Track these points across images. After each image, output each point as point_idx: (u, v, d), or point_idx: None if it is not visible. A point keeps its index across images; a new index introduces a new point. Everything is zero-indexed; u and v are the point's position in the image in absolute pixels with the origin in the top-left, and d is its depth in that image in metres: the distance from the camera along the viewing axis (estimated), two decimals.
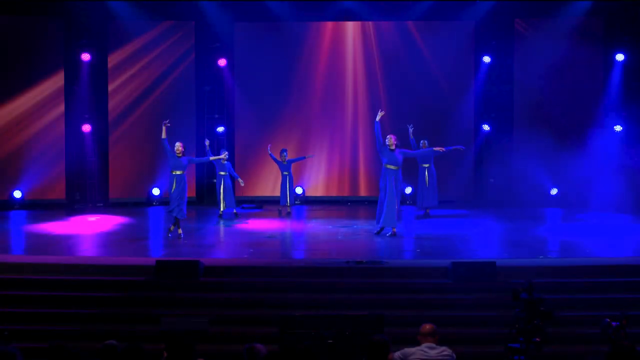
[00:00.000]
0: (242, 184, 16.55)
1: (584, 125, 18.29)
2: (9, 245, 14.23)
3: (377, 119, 13.95)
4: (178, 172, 14.01)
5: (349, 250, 12.73)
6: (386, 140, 13.85)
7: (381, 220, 13.97)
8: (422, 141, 16.54)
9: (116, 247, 13.55)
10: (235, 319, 10.45)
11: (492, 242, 14.07)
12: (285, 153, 17.21)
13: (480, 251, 12.99)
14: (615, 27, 18.29)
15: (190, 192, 19.32)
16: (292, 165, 17.39)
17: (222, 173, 16.58)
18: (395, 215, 13.94)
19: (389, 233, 14.07)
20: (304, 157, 18.16)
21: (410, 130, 16.38)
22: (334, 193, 19.68)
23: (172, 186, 14.01)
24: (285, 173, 17.20)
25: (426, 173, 16.54)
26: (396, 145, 13.85)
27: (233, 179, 16.69)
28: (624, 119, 18.10)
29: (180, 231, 14.09)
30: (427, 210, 16.86)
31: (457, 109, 19.15)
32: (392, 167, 13.89)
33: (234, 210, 16.75)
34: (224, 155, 16.29)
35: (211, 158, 15.66)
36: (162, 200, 19.26)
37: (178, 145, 14.06)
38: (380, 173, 14.27)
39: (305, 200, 19.39)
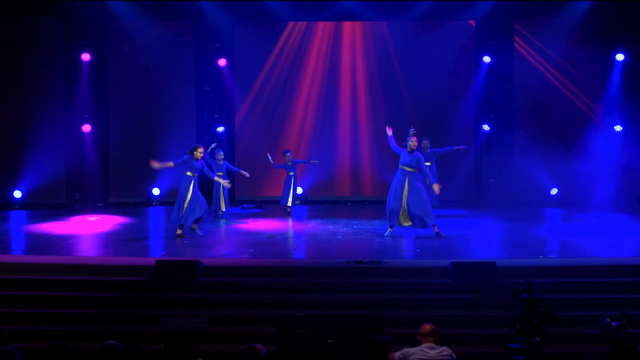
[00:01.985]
0: (248, 175, 16.54)
1: (584, 125, 18.29)
2: (9, 245, 14.21)
3: (389, 133, 13.97)
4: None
5: (349, 250, 12.73)
6: (408, 141, 13.85)
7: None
8: (423, 140, 16.58)
9: (116, 247, 13.55)
10: (235, 319, 10.45)
11: (492, 242, 14.07)
12: (288, 153, 17.21)
13: (480, 251, 12.99)
14: (615, 27, 18.30)
15: None
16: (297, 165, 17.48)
17: (220, 174, 16.58)
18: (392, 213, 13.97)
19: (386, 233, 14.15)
20: (308, 162, 18.07)
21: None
22: (334, 193, 19.67)
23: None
24: (291, 173, 17.20)
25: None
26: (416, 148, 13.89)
27: (232, 177, 16.66)
28: (624, 119, 18.11)
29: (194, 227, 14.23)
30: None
31: (457, 109, 19.16)
32: (408, 168, 13.89)
33: (220, 212, 16.73)
34: (219, 155, 16.49)
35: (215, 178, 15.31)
36: (162, 201, 19.28)
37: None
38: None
39: (305, 200, 19.39)
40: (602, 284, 10.98)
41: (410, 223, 13.94)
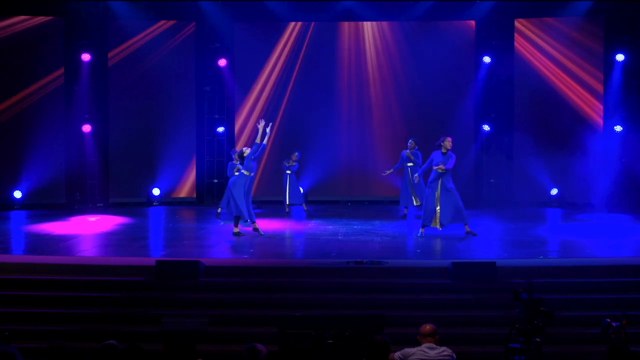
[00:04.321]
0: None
1: (584, 125, 18.31)
2: (9, 245, 14.22)
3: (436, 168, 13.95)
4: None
5: (349, 250, 12.73)
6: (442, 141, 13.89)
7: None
8: (410, 140, 16.63)
9: (116, 247, 13.56)
10: (235, 319, 10.45)
11: (492, 242, 14.06)
12: (298, 154, 17.31)
13: (480, 251, 12.99)
14: (615, 27, 18.29)
15: (191, 192, 19.40)
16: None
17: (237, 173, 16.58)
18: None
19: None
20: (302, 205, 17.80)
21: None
22: (333, 193, 19.67)
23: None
24: (288, 172, 17.26)
25: (409, 172, 16.52)
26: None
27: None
28: (624, 119, 18.10)
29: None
30: (406, 210, 16.81)
31: (457, 109, 19.15)
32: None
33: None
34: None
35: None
36: (162, 201, 19.28)
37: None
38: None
39: (305, 200, 19.36)
40: (602, 284, 10.98)
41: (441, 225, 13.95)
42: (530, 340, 7.77)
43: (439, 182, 13.87)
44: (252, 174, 14.17)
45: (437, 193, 13.87)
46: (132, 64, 18.93)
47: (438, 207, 13.91)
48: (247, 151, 14.25)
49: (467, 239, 13.92)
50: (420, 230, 14.10)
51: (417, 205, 16.73)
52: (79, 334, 10.06)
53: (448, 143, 13.87)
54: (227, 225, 16.04)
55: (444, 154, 13.85)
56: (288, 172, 17.30)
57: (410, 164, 16.52)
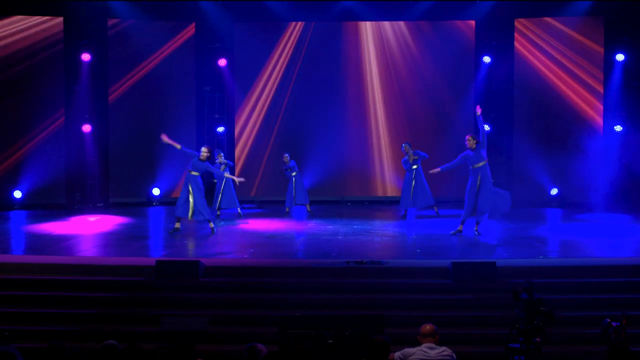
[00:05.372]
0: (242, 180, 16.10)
1: (583, 125, 18.31)
2: (9, 245, 14.22)
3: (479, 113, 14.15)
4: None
5: (349, 250, 12.73)
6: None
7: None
8: (403, 145, 16.62)
9: (116, 247, 13.56)
10: (235, 319, 10.45)
11: (492, 242, 14.06)
12: (287, 155, 17.32)
13: (480, 251, 12.99)
14: (615, 27, 18.29)
15: None
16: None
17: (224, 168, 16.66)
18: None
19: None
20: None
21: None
22: (333, 193, 19.66)
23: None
24: (294, 173, 17.27)
25: (414, 174, 16.51)
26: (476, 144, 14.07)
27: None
28: (624, 119, 18.10)
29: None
30: (406, 212, 16.78)
31: (457, 109, 19.15)
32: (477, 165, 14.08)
33: (238, 210, 16.78)
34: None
35: (226, 175, 15.92)
36: (162, 201, 19.27)
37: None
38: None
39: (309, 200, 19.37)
40: (602, 284, 10.98)
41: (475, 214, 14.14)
42: (530, 340, 7.77)
43: (478, 177, 14.15)
44: (199, 173, 14.59)
45: (477, 188, 14.17)
46: (132, 64, 18.93)
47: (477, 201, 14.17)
48: (204, 152, 14.55)
49: (467, 239, 13.93)
50: (476, 227, 14.23)
51: (419, 208, 16.76)
52: (79, 334, 10.06)
53: (469, 142, 14.16)
54: (227, 225, 16.05)
55: (472, 151, 14.09)
56: (293, 174, 17.29)
57: (415, 166, 16.50)
